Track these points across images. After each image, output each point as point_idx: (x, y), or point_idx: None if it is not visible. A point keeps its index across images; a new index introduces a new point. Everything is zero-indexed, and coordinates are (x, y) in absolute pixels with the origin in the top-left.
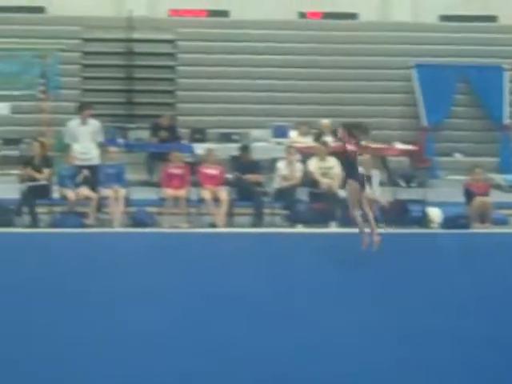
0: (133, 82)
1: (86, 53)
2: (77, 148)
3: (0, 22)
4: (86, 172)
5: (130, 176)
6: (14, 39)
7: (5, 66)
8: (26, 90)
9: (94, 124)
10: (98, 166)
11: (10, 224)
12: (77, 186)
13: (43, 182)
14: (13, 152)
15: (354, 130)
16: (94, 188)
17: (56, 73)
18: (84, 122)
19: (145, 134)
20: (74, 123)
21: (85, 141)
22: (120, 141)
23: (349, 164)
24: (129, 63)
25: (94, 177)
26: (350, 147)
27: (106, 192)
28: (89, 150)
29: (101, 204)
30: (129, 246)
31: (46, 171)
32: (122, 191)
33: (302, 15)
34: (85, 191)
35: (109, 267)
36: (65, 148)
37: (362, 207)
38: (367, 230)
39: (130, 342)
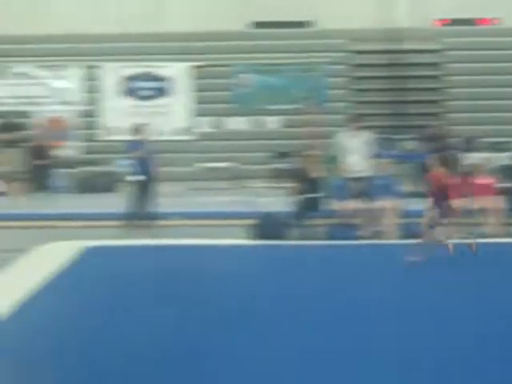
0: (400, 93)
1: (354, 65)
2: (348, 160)
3: (268, 38)
4: (358, 184)
5: (400, 188)
6: (283, 54)
7: (274, 81)
8: (295, 103)
9: (366, 135)
10: (369, 178)
11: (281, 237)
12: (349, 198)
13: (315, 195)
14: (284, 165)
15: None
16: (366, 200)
17: (324, 86)
18: (355, 134)
19: (414, 145)
20: (344, 135)
21: (356, 153)
22: (389, 152)
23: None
24: (396, 74)
25: (365, 189)
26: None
27: (378, 204)
28: (360, 161)
29: (373, 216)
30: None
31: (318, 184)
32: (395, 203)
33: None
34: (357, 203)
35: (383, 278)
36: (334, 160)
37: None
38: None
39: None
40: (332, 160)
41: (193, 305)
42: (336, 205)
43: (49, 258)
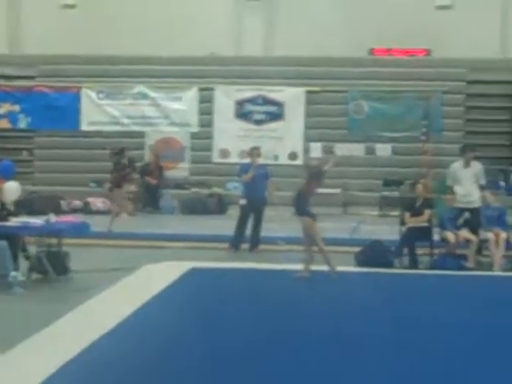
0: None
1: (470, 95)
2: (459, 190)
3: (385, 65)
4: (467, 214)
5: (510, 219)
6: (399, 81)
7: (389, 108)
8: (409, 131)
9: (476, 166)
10: (479, 209)
11: (389, 265)
12: (458, 228)
13: (424, 224)
14: (393, 193)
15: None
16: (475, 231)
17: (439, 115)
18: (466, 165)
19: None
20: (457, 165)
21: (467, 183)
22: (501, 183)
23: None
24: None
25: (475, 219)
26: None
27: (486, 235)
28: (470, 192)
29: (481, 247)
30: (509, 291)
31: (427, 213)
32: (503, 234)
33: None
34: (465, 234)
35: (487, 309)
36: (446, 190)
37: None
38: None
39: None
40: (444, 189)
41: (289, 329)
42: (445, 234)
43: (154, 277)
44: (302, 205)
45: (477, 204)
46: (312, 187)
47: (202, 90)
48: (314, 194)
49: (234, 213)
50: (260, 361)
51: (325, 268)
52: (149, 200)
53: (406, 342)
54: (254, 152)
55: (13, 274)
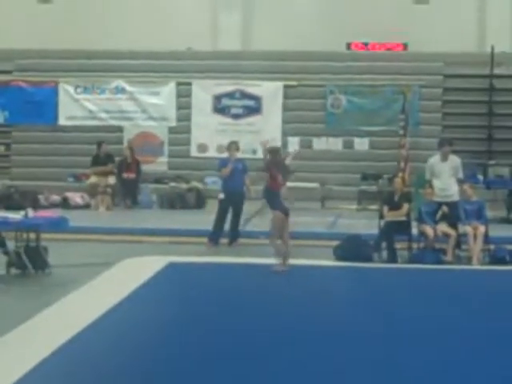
0: (493, 118)
1: (447, 89)
2: (437, 184)
3: (362, 59)
4: (445, 208)
5: (489, 213)
6: (377, 76)
7: (367, 102)
8: (386, 125)
9: (454, 160)
10: (457, 203)
11: (368, 259)
12: (436, 222)
13: (402, 218)
14: (371, 187)
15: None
16: (453, 225)
17: (416, 109)
18: (444, 159)
19: (505, 171)
20: (434, 159)
21: (445, 177)
22: (479, 177)
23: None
24: (489, 99)
25: (453, 213)
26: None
27: (465, 229)
28: (448, 186)
29: (460, 241)
30: (487, 285)
31: (406, 207)
32: (482, 228)
33: None
34: (444, 228)
35: (467, 304)
36: (424, 184)
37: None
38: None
39: None
40: (422, 183)
41: (267, 323)
42: (423, 228)
43: (132, 271)
44: (272, 199)
45: (455, 198)
46: (277, 179)
47: (179, 84)
48: (282, 185)
49: (212, 207)
50: (239, 356)
51: (302, 262)
52: (127, 194)
53: (385, 335)
54: (232, 146)
55: None
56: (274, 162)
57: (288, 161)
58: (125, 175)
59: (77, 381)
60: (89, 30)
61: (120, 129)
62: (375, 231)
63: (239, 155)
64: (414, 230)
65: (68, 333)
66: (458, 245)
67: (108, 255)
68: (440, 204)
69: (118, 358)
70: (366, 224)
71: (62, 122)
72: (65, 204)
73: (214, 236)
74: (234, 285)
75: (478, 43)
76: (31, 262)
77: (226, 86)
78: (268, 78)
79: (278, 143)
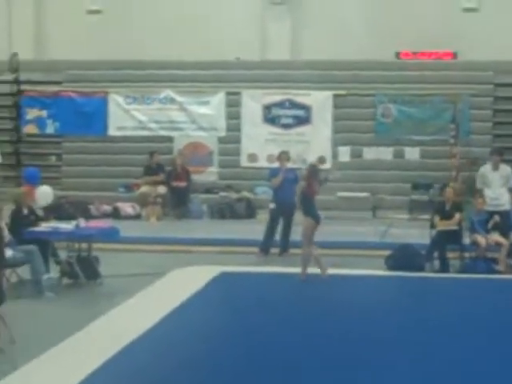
0: None
1: (498, 98)
2: (488, 193)
3: (412, 68)
4: (496, 218)
5: None
6: (426, 85)
7: (417, 111)
8: (437, 134)
9: (505, 169)
10: (509, 212)
11: (420, 269)
12: (488, 231)
13: (454, 228)
14: (422, 197)
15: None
16: (505, 234)
17: (467, 118)
18: (495, 168)
19: None
20: (485, 168)
21: (496, 186)
22: None
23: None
24: None
25: (505, 222)
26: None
27: None
28: (500, 195)
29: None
30: None
31: (457, 216)
32: None
33: None
34: (496, 237)
35: None
36: (475, 193)
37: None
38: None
39: None
40: (473, 193)
41: (321, 332)
42: (475, 238)
43: (183, 281)
44: (307, 205)
45: (507, 207)
46: (314, 187)
47: (229, 94)
48: (316, 193)
49: (262, 217)
50: (292, 364)
51: (354, 272)
52: (177, 204)
53: (436, 345)
54: (283, 156)
55: (46, 276)
56: (313, 172)
57: (331, 177)
58: (174, 184)
59: None
60: (138, 41)
61: (170, 139)
62: (427, 241)
63: (289, 165)
64: (466, 240)
65: (120, 342)
66: (510, 254)
67: (159, 265)
68: (491, 213)
69: (170, 367)
70: (417, 234)
71: (111, 132)
72: (115, 214)
73: (265, 246)
74: (285, 295)
75: None
76: (83, 271)
77: (276, 96)
78: (317, 88)
79: (328, 153)
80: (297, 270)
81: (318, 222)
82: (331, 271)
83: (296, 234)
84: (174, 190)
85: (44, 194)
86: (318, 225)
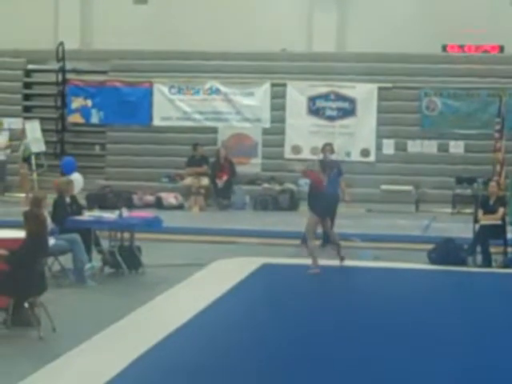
0: None
1: None
2: None
3: (458, 61)
4: None
5: None
6: (472, 78)
7: (462, 105)
8: (482, 128)
9: None
10: None
11: (463, 263)
12: None
13: (497, 222)
14: (466, 191)
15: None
16: None
17: None
18: None
19: None
20: None
21: None
22: None
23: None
24: None
25: None
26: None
27: None
28: None
29: None
30: None
31: (501, 211)
32: None
33: None
34: None
35: None
36: None
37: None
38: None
39: None
40: None
41: (362, 323)
42: None
43: (225, 272)
44: (313, 200)
45: None
46: (321, 182)
47: (274, 85)
48: (322, 188)
49: (305, 209)
50: (332, 353)
51: (396, 265)
52: (220, 195)
53: (478, 339)
54: (327, 148)
55: (89, 265)
56: (321, 167)
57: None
58: (217, 177)
59: (171, 379)
60: (183, 31)
61: (214, 130)
62: (470, 235)
63: (333, 157)
64: (510, 235)
65: (162, 332)
66: None
67: (201, 256)
68: None
69: (212, 356)
70: (460, 228)
71: (156, 122)
72: (158, 204)
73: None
74: (326, 286)
75: None
76: (125, 261)
77: (321, 88)
78: (362, 80)
79: (372, 146)
80: (337, 262)
81: (321, 217)
82: (373, 264)
83: (339, 227)
84: (218, 182)
85: (75, 181)
86: (321, 220)
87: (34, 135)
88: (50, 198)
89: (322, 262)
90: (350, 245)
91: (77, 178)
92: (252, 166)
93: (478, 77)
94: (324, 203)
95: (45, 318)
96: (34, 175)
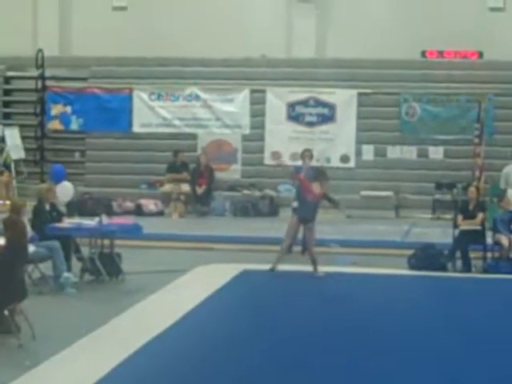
0: None
1: None
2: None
3: (437, 67)
4: None
5: None
6: (452, 84)
7: (442, 111)
8: (461, 134)
9: None
10: None
11: (442, 268)
12: (511, 231)
13: (477, 227)
14: (446, 196)
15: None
16: None
17: (491, 117)
18: None
19: None
20: (509, 168)
21: None
22: None
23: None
24: None
25: None
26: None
27: None
28: None
29: None
30: None
31: (480, 216)
32: None
33: None
34: None
35: None
36: (499, 193)
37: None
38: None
39: None
40: (497, 192)
41: (342, 329)
42: (498, 238)
43: (206, 279)
44: (298, 203)
45: None
46: (312, 188)
47: (253, 91)
48: (312, 195)
49: (285, 215)
50: (314, 360)
51: (376, 270)
52: (200, 202)
53: (458, 345)
54: (306, 154)
55: (65, 275)
56: (319, 174)
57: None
58: (196, 185)
59: None
60: (163, 37)
61: (194, 136)
62: (449, 240)
63: (313, 163)
64: (489, 240)
65: (142, 338)
66: None
67: (181, 262)
68: None
69: (191, 363)
70: (440, 233)
71: (136, 129)
72: (138, 211)
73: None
74: (307, 292)
75: None
76: (105, 268)
77: (300, 94)
78: (342, 86)
79: (352, 151)
80: (320, 268)
81: (301, 221)
82: (351, 269)
83: (319, 233)
84: (197, 189)
85: (65, 189)
86: (304, 224)
87: (14, 142)
88: (30, 206)
89: (304, 268)
90: (328, 250)
91: (67, 186)
92: (232, 173)
93: (457, 82)
94: (306, 207)
95: (25, 325)
96: (14, 182)
